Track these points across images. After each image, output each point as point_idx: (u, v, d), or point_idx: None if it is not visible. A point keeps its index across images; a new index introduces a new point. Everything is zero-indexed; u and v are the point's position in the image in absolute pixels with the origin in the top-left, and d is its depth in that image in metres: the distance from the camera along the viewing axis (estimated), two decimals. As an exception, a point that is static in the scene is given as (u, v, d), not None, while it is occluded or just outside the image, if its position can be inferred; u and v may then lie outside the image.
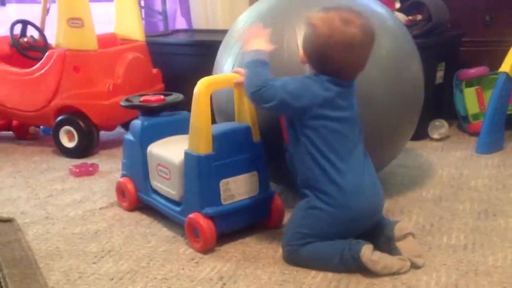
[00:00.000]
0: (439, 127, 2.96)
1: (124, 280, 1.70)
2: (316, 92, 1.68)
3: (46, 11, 3.32)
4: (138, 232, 2.02)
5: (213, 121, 1.91)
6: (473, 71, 3.01)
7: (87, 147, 2.91)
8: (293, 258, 1.74)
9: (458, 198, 2.20)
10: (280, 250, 1.81)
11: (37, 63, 2.96)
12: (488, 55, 3.04)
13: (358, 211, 1.69)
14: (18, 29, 3.19)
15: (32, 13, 3.45)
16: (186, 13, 4.04)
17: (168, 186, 2.00)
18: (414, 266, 1.68)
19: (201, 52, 3.22)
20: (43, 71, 2.92)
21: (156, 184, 2.07)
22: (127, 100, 2.22)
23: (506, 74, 2.64)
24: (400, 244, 1.69)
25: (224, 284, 1.66)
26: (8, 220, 2.13)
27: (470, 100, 3.02)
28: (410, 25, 2.83)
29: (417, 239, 1.78)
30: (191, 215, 1.85)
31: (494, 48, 3.00)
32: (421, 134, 2.82)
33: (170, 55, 3.39)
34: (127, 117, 2.78)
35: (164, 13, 4.03)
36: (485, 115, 2.74)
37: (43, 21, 3.32)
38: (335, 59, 1.67)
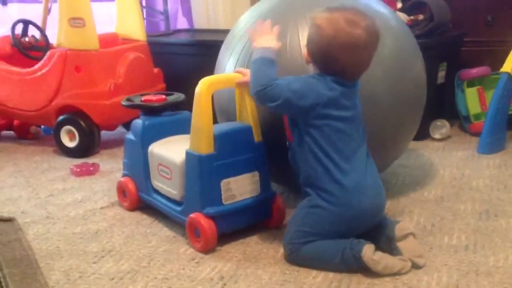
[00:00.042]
0: (441, 127, 2.96)
1: (124, 280, 1.70)
2: (321, 92, 1.68)
3: (47, 11, 3.32)
4: (139, 232, 2.02)
5: (215, 121, 1.91)
6: (475, 71, 3.01)
7: (88, 146, 2.91)
8: (295, 257, 1.73)
9: (459, 198, 2.20)
10: (281, 250, 1.81)
11: (38, 63, 2.96)
12: (490, 55, 3.04)
13: (360, 210, 1.69)
14: (19, 28, 3.19)
15: (33, 12, 3.45)
16: (188, 13, 4.04)
17: (169, 186, 2.00)
18: (415, 266, 1.68)
19: (202, 52, 3.22)
20: (44, 70, 2.92)
21: (157, 183, 2.07)
22: (128, 99, 2.22)
23: (508, 74, 2.64)
24: (400, 244, 1.68)
25: (225, 284, 1.65)
26: (9, 220, 2.13)
27: (472, 100, 3.01)
28: (411, 25, 2.83)
29: (418, 239, 1.78)
30: (192, 215, 1.85)
31: (495, 48, 3.00)
32: (422, 134, 2.82)
33: (171, 55, 3.39)
34: (128, 116, 2.78)
35: (165, 13, 4.03)
36: (486, 115, 2.74)
37: (44, 21, 3.32)
38: (340, 60, 1.67)
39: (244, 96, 1.90)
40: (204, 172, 1.83)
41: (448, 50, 3.03)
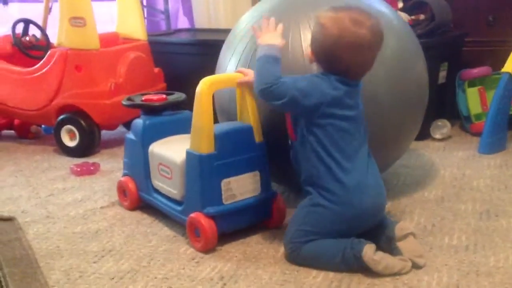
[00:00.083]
0: (442, 127, 2.96)
1: (124, 280, 1.70)
2: (325, 91, 1.67)
3: (48, 10, 3.32)
4: (139, 232, 2.02)
5: (215, 121, 1.90)
6: (476, 71, 3.01)
7: (88, 146, 2.91)
8: (295, 256, 1.73)
9: (460, 199, 2.20)
10: (281, 250, 1.80)
11: (39, 62, 2.96)
12: (491, 55, 3.04)
13: (361, 209, 1.69)
14: (20, 28, 3.20)
15: (34, 12, 3.45)
16: (188, 12, 4.04)
17: (169, 186, 2.00)
18: (415, 266, 1.68)
19: (203, 51, 3.22)
20: (45, 70, 2.92)
21: (158, 183, 2.07)
22: (129, 99, 2.22)
23: (509, 74, 2.64)
24: (401, 244, 1.68)
25: (225, 284, 1.65)
26: (9, 219, 2.13)
27: (473, 100, 3.01)
28: (412, 25, 2.82)
29: (418, 240, 1.78)
30: (192, 215, 1.85)
31: (497, 48, 3.00)
32: (423, 134, 2.82)
33: (172, 54, 3.39)
34: (128, 116, 2.78)
35: (166, 12, 4.03)
36: (487, 115, 2.73)
37: (45, 20, 3.32)
38: (344, 59, 1.67)
39: (245, 96, 1.90)
40: (204, 172, 1.83)
41: (449, 50, 3.03)
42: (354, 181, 1.68)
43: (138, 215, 2.16)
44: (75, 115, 2.88)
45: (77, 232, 2.03)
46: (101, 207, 2.25)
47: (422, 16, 2.96)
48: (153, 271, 1.74)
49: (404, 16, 2.88)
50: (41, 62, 2.94)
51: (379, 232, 1.73)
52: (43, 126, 3.31)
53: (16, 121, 3.27)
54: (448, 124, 2.96)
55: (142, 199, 2.17)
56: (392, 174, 2.40)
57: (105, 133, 3.07)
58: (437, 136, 2.95)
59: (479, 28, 3.20)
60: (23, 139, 3.26)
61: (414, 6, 3.01)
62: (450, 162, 2.62)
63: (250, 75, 1.87)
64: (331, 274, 1.67)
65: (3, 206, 2.29)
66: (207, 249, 1.84)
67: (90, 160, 2.79)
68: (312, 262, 1.71)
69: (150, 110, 2.17)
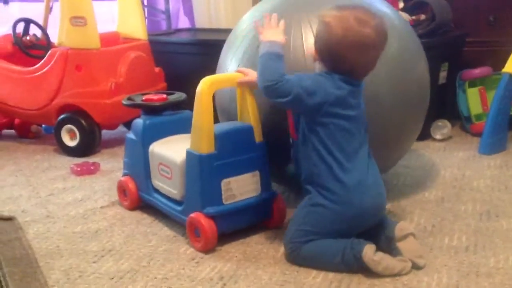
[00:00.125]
0: (442, 128, 2.96)
1: (124, 280, 1.69)
2: (328, 90, 1.67)
3: (49, 10, 3.32)
4: (139, 231, 2.02)
5: (216, 121, 1.90)
6: (477, 71, 3.00)
7: (88, 146, 2.91)
8: (295, 256, 1.73)
9: (460, 199, 2.20)
10: (281, 250, 1.80)
11: (39, 62, 2.96)
12: (492, 55, 3.03)
13: (361, 209, 1.69)
14: (20, 27, 3.19)
15: (35, 11, 3.45)
16: (189, 12, 4.04)
17: (169, 185, 2.00)
18: (415, 267, 1.68)
19: (203, 51, 3.22)
20: (45, 69, 2.92)
21: (158, 183, 2.07)
22: (129, 99, 2.22)
23: (510, 74, 2.64)
24: (400, 245, 1.68)
25: (225, 284, 1.65)
26: (9, 219, 2.13)
27: (473, 100, 3.01)
28: (413, 25, 2.81)
29: (418, 240, 1.77)
30: (192, 215, 1.85)
31: (497, 48, 3.00)
32: (423, 134, 2.80)
33: (172, 54, 3.39)
34: (129, 116, 2.78)
35: (167, 12, 4.03)
36: (488, 116, 2.73)
37: (45, 20, 3.31)
38: (348, 59, 1.67)
39: (245, 95, 1.90)
40: (204, 172, 1.82)
41: (450, 50, 3.03)
42: (354, 180, 1.68)
43: (138, 215, 2.16)
44: (75, 114, 2.88)
45: (77, 232, 2.03)
46: (101, 207, 2.25)
47: (422, 16, 2.96)
48: (152, 271, 1.74)
49: (405, 16, 2.88)
50: (42, 61, 2.94)
51: (379, 232, 1.73)
52: (43, 125, 3.31)
53: (17, 121, 3.27)
54: (448, 124, 2.96)
55: (142, 199, 2.17)
56: (392, 175, 2.40)
57: (105, 133, 3.07)
58: (438, 136, 2.95)
59: (480, 28, 3.20)
60: (24, 139, 3.26)
61: (414, 6, 3.01)
62: (451, 162, 2.61)
63: (250, 75, 1.87)
64: (330, 275, 1.67)
65: (3, 205, 2.29)
66: (207, 249, 1.84)
67: (91, 159, 2.79)
68: (312, 262, 1.71)
69: (150, 110, 2.16)
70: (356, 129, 1.71)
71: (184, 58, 3.33)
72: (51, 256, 1.85)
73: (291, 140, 1.86)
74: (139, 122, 2.15)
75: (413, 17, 2.95)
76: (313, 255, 1.71)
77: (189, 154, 1.87)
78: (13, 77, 3.02)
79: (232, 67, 2.09)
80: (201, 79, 1.84)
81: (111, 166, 2.72)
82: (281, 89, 1.66)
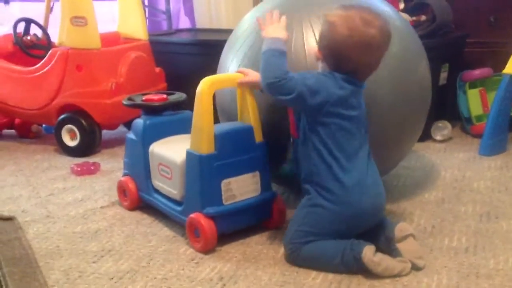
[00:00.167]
0: (442, 129, 2.95)
1: (124, 280, 1.69)
2: (331, 90, 1.67)
3: (49, 10, 3.32)
4: (139, 232, 2.02)
5: (216, 121, 1.90)
6: (477, 73, 3.00)
7: (89, 146, 2.91)
8: (295, 257, 1.73)
9: (460, 200, 2.19)
10: (281, 251, 1.80)
11: (40, 62, 2.96)
12: (492, 56, 3.04)
13: (361, 209, 1.69)
14: (21, 27, 3.19)
15: (35, 11, 3.45)
16: (190, 12, 4.04)
17: (169, 186, 2.00)
18: (415, 268, 1.68)
19: (204, 51, 3.22)
20: (45, 69, 2.92)
21: (158, 183, 2.07)
22: (129, 99, 2.22)
23: (510, 75, 2.63)
24: (400, 245, 1.68)
25: (224, 284, 1.65)
26: (9, 219, 2.13)
27: (474, 101, 3.01)
28: (414, 26, 2.81)
29: (418, 241, 1.77)
30: (192, 215, 1.85)
31: (498, 49, 3.00)
32: (424, 135, 2.80)
33: (173, 54, 3.39)
34: (129, 116, 2.78)
35: (167, 12, 4.03)
36: (488, 117, 2.73)
37: (46, 20, 3.32)
38: (352, 59, 1.67)
39: (245, 96, 1.90)
40: (204, 172, 1.82)
41: (450, 51, 3.03)
42: (354, 180, 1.68)
43: (138, 215, 2.16)
44: (75, 114, 2.88)
45: (77, 232, 2.03)
46: (101, 207, 2.25)
47: (423, 17, 2.96)
48: (152, 272, 1.74)
49: (406, 17, 2.88)
50: (42, 61, 2.94)
51: (378, 232, 1.73)
52: (43, 125, 3.31)
53: (17, 121, 3.27)
54: (448, 125, 2.96)
55: (142, 199, 2.17)
56: (392, 175, 2.40)
57: (105, 133, 3.07)
58: (438, 137, 2.95)
59: (480, 29, 3.20)
60: (24, 139, 3.26)
61: (415, 7, 3.01)
62: (451, 163, 2.61)
63: (250, 75, 1.87)
64: (330, 275, 1.67)
65: (3, 205, 2.29)
66: (207, 250, 1.84)
67: (91, 159, 2.79)
68: (311, 263, 1.71)
69: (150, 110, 2.16)
70: (357, 129, 1.71)
71: (184, 58, 3.33)
72: (51, 256, 1.85)
73: (291, 139, 1.85)
74: (139, 122, 2.15)
75: (414, 18, 2.95)
76: (313, 256, 1.71)
77: (189, 154, 1.87)
78: (14, 77, 3.02)
79: (232, 67, 2.09)
80: (201, 79, 1.84)
81: (111, 166, 2.72)
82: (285, 87, 1.65)
